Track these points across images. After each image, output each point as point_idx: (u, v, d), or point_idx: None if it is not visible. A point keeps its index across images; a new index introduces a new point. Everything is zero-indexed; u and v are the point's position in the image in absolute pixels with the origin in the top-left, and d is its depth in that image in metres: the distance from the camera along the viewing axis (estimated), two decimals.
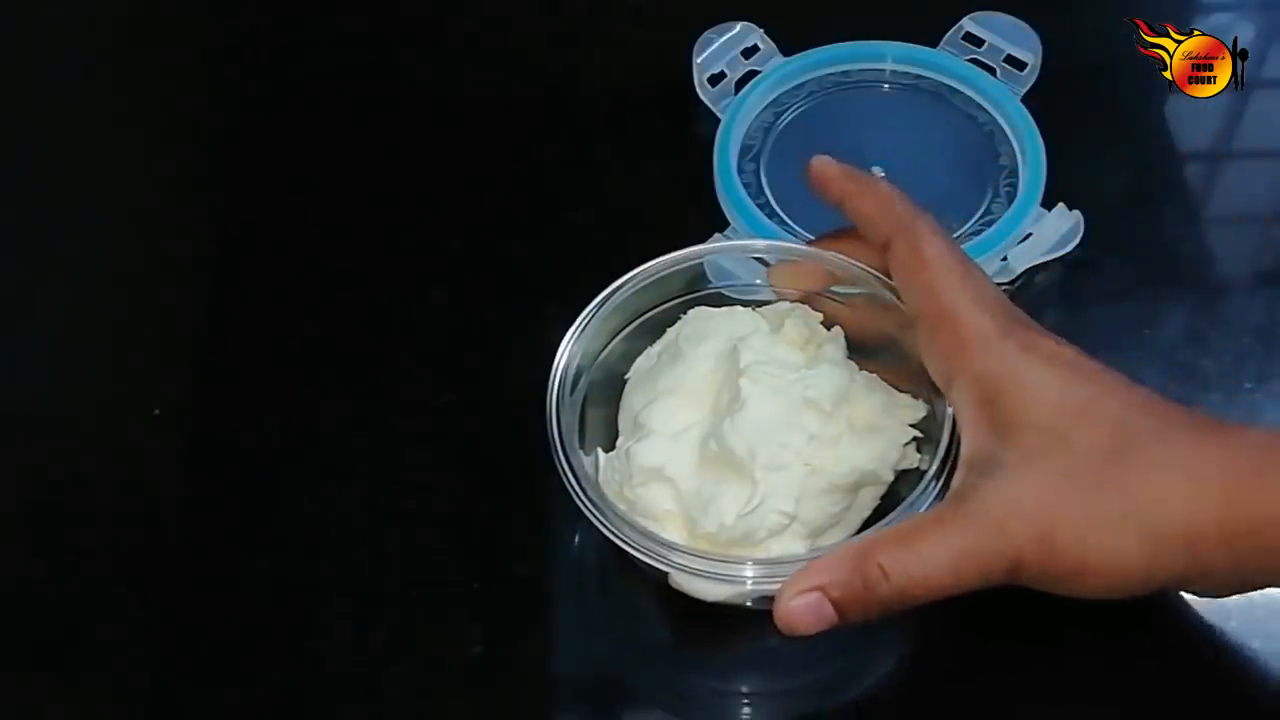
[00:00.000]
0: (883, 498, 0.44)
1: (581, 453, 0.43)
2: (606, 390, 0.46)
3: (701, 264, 0.47)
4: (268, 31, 0.65)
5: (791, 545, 0.42)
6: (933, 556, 0.37)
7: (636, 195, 0.56)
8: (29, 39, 0.65)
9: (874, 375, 0.45)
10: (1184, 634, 0.43)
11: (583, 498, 0.41)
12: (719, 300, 0.47)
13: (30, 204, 0.59)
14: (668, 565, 0.40)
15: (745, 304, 0.47)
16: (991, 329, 0.39)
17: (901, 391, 0.44)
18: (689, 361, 0.45)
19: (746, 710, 0.45)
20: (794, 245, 0.47)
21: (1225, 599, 0.42)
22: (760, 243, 0.49)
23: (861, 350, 0.46)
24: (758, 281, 0.48)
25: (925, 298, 0.41)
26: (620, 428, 0.46)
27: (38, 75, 0.64)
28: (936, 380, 0.41)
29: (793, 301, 0.46)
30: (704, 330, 0.46)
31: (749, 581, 0.40)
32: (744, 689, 0.45)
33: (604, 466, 0.44)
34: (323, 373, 0.52)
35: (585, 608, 0.47)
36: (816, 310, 0.46)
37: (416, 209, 0.57)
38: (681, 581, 0.41)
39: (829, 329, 0.46)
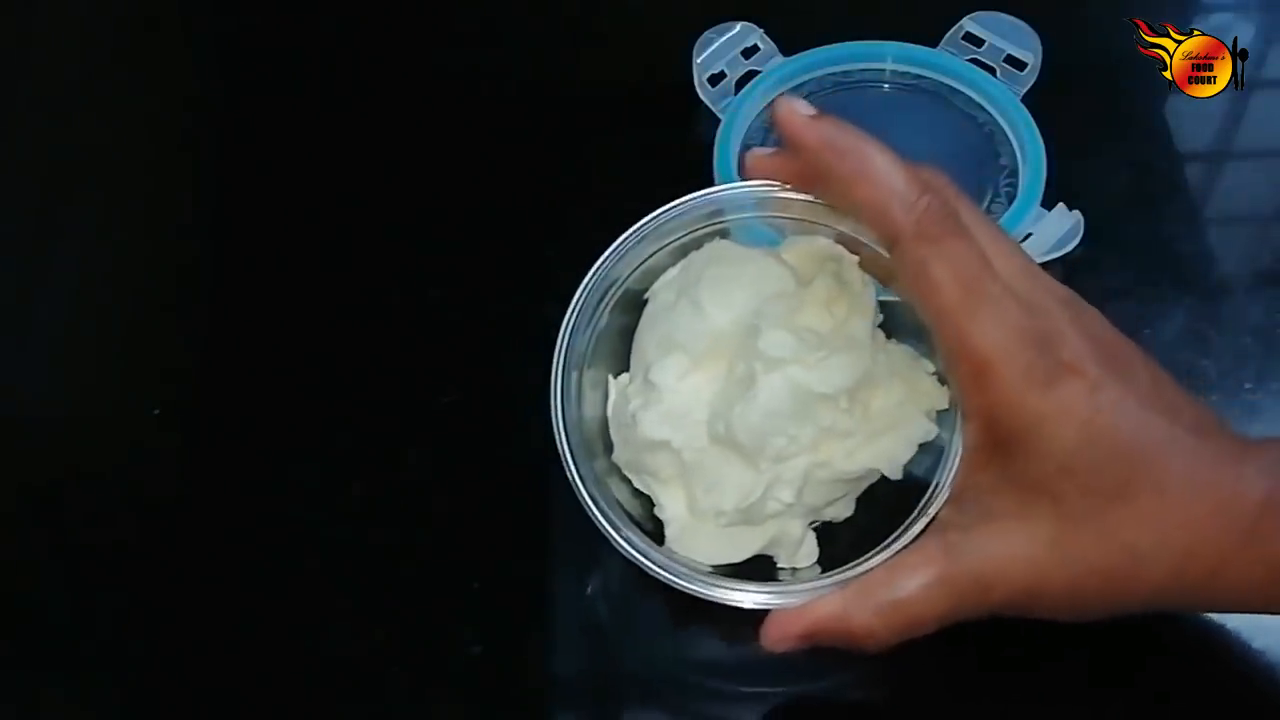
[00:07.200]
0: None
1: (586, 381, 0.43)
2: (625, 304, 0.45)
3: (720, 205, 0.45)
4: (266, 32, 0.65)
5: (790, 526, 0.43)
6: (918, 617, 0.38)
7: (636, 195, 0.56)
8: (29, 38, 0.65)
9: (900, 350, 0.44)
10: (1184, 634, 0.43)
11: (582, 492, 0.41)
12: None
13: (30, 204, 0.59)
14: (665, 575, 0.40)
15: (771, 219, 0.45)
16: (1011, 366, 0.36)
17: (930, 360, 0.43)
18: (707, 319, 0.43)
19: (746, 711, 0.45)
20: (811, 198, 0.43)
21: None
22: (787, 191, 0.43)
23: (895, 309, 0.44)
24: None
25: (936, 324, 0.38)
26: (632, 362, 0.45)
27: (38, 75, 0.64)
28: (953, 399, 0.40)
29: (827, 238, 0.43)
30: (726, 281, 0.43)
31: (719, 594, 0.40)
32: (743, 689, 0.45)
33: (614, 400, 0.44)
34: (322, 372, 0.52)
35: (585, 608, 0.47)
36: (853, 252, 0.43)
37: (416, 208, 0.57)
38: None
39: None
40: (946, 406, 0.43)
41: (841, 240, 0.43)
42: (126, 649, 0.46)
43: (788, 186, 0.42)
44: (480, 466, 0.49)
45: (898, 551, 0.39)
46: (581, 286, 0.43)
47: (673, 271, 0.45)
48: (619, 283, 0.44)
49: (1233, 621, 0.43)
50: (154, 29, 0.66)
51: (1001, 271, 0.38)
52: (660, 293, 0.45)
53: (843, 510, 0.44)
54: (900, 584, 0.38)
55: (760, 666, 0.45)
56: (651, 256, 0.45)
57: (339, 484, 0.49)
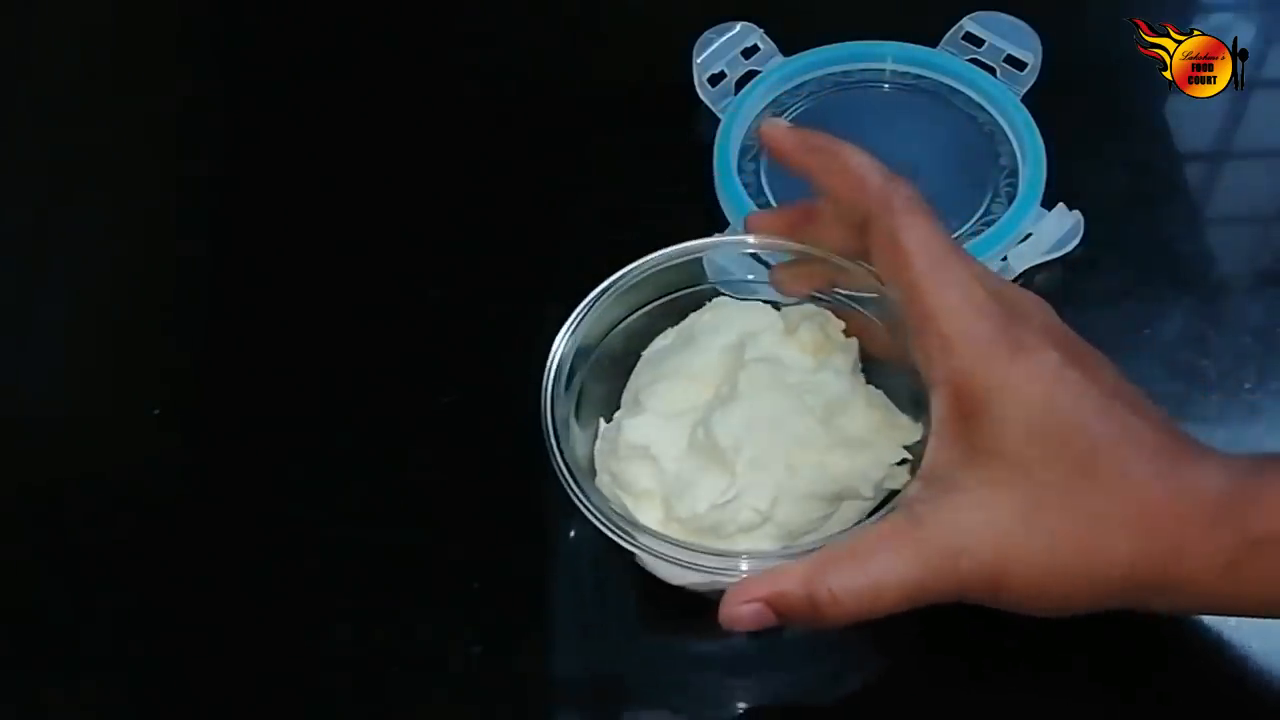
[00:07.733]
0: (870, 514, 0.43)
1: (577, 423, 0.44)
2: (618, 365, 0.46)
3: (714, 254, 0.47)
4: (266, 32, 0.65)
5: (762, 545, 0.42)
6: (884, 584, 0.37)
7: (636, 195, 0.56)
8: (29, 39, 0.65)
9: (879, 391, 0.44)
10: (1183, 635, 0.43)
11: (559, 461, 0.41)
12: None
13: (30, 204, 0.59)
14: (634, 547, 0.40)
15: (766, 302, 0.46)
16: (978, 334, 0.38)
17: (905, 413, 0.44)
18: (698, 348, 0.45)
19: (746, 709, 0.45)
20: (794, 244, 0.45)
21: None
22: (755, 239, 0.46)
23: (878, 368, 0.45)
24: (751, 277, 0.47)
25: (906, 294, 0.39)
26: (623, 402, 0.46)
27: (38, 75, 0.64)
28: (923, 377, 0.40)
29: (819, 306, 0.46)
30: (720, 320, 0.45)
31: (709, 572, 0.40)
32: (741, 689, 0.45)
33: (600, 436, 0.45)
34: (322, 372, 0.52)
35: (584, 608, 0.47)
36: (840, 318, 0.45)
37: (416, 209, 0.57)
38: (645, 561, 0.41)
39: (848, 336, 0.45)
40: (919, 439, 0.42)
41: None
42: (126, 649, 0.46)
43: (793, 244, 0.44)
44: (480, 466, 0.49)
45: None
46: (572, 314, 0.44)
47: (672, 330, 0.47)
48: (613, 332, 0.45)
49: (1232, 623, 0.43)
50: (154, 29, 0.66)
51: (970, 265, 0.40)
52: (657, 344, 0.47)
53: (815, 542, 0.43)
54: (866, 551, 0.38)
55: (759, 666, 0.45)
56: (643, 316, 0.46)
57: (339, 484, 0.49)
